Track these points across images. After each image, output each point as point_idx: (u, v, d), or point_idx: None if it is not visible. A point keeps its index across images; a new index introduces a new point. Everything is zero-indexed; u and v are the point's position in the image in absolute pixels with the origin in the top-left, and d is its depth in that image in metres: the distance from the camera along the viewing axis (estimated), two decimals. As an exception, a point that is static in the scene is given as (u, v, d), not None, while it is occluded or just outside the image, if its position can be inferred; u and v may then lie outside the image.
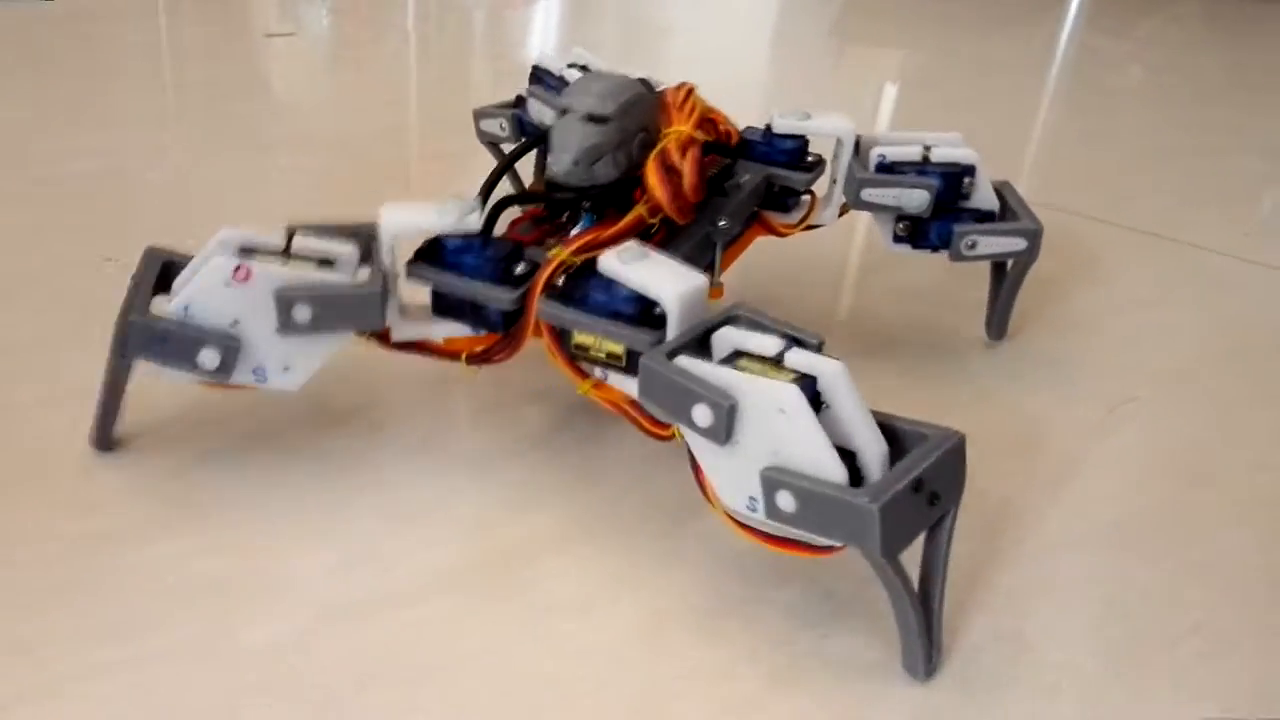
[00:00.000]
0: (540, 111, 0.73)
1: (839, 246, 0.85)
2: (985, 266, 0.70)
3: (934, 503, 0.42)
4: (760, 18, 1.87)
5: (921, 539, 0.43)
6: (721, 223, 0.57)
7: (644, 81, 0.57)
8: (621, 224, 0.52)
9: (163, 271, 0.52)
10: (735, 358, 0.44)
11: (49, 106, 1.06)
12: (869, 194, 0.64)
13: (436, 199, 0.52)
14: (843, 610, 0.47)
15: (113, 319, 0.50)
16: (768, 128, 0.65)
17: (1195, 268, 0.87)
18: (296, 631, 0.44)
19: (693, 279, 0.47)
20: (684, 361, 0.44)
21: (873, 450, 0.42)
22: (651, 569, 0.49)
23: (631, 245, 0.49)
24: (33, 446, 0.54)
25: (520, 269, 0.51)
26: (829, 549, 0.43)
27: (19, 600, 0.45)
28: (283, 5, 1.63)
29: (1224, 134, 1.27)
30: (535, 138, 0.61)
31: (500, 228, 0.53)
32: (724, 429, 0.42)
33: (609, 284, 0.48)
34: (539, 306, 0.49)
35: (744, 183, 0.61)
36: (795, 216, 0.66)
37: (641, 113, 0.55)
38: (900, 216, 0.65)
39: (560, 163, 0.52)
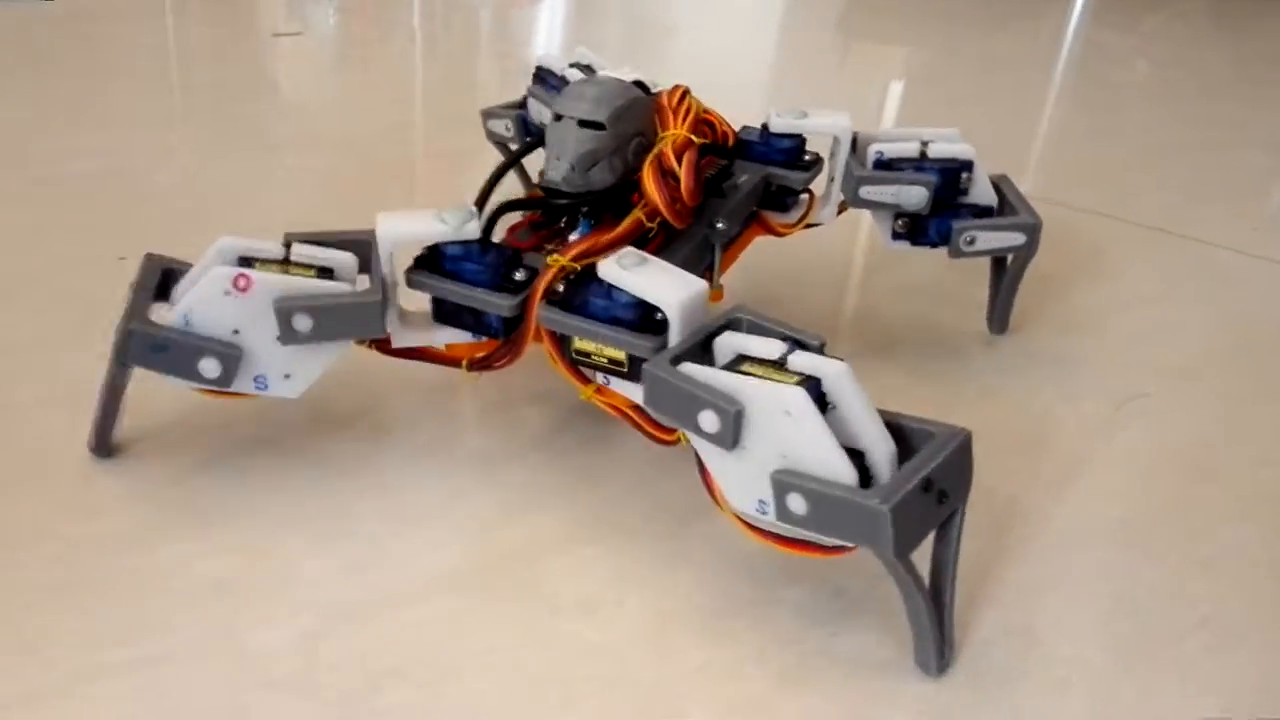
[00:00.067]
0: (541, 113, 0.73)
1: (839, 245, 0.84)
2: (985, 263, 0.69)
3: (943, 501, 0.42)
4: (765, 15, 1.87)
5: (931, 536, 0.43)
6: (720, 224, 0.57)
7: (639, 84, 0.57)
8: (619, 229, 0.52)
9: (162, 279, 0.53)
10: (739, 362, 0.44)
11: (51, 107, 1.06)
12: (867, 191, 0.64)
13: (434, 207, 0.52)
14: (852, 609, 0.47)
15: (113, 318, 0.50)
16: (764, 127, 0.65)
17: (1201, 263, 0.87)
18: (302, 633, 0.44)
19: (693, 284, 0.47)
20: (688, 368, 0.44)
21: (880, 449, 0.42)
22: (657, 570, 0.49)
23: (630, 251, 0.49)
24: (32, 447, 0.54)
25: (520, 275, 0.51)
26: (840, 549, 0.43)
27: (24, 600, 0.45)
28: (289, 4, 1.63)
29: (1230, 129, 1.27)
30: (532, 142, 0.61)
31: (497, 233, 0.53)
32: (731, 434, 0.42)
33: (609, 290, 0.48)
34: (540, 313, 0.50)
35: (742, 183, 0.61)
36: (794, 216, 0.66)
37: (637, 117, 0.55)
38: (899, 213, 0.65)
39: (556, 168, 0.52)
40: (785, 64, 1.57)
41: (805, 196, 0.66)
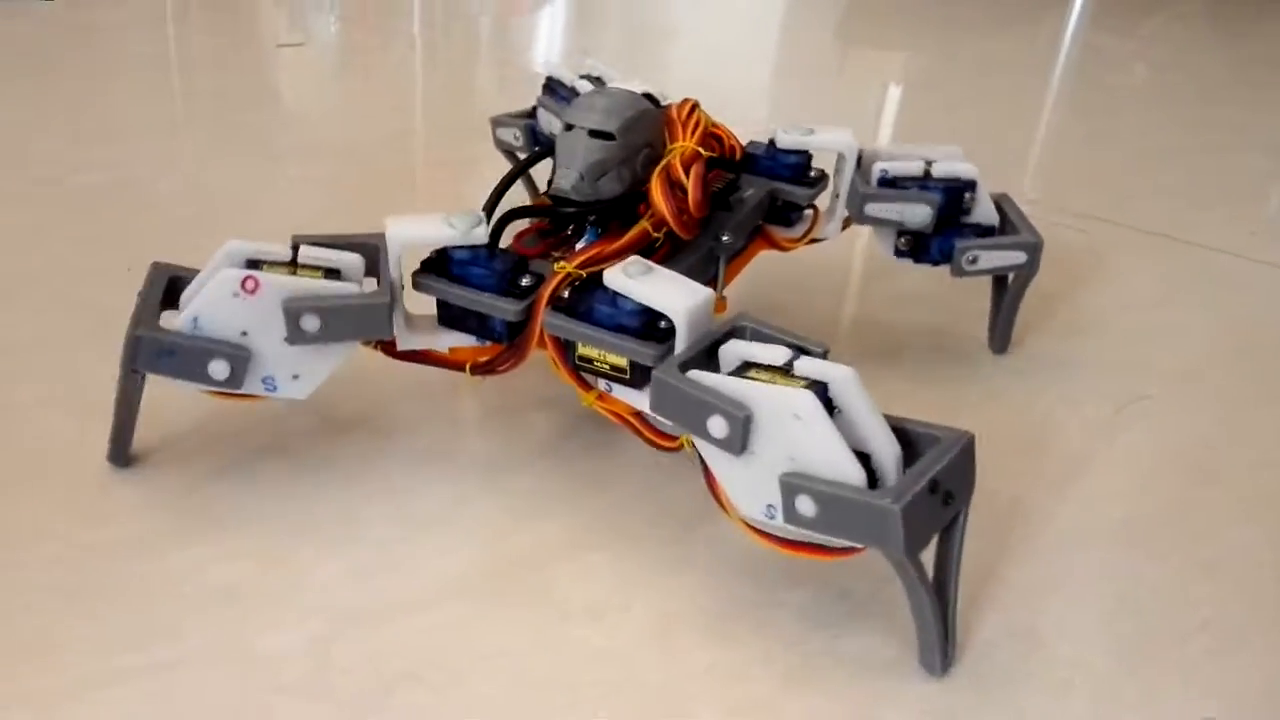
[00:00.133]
0: (551, 123, 0.73)
1: (841, 254, 0.85)
2: (987, 277, 0.70)
3: (948, 502, 0.42)
4: (764, 21, 1.87)
5: (935, 538, 0.44)
6: (725, 237, 0.58)
7: (649, 96, 0.57)
8: (626, 238, 0.53)
9: (169, 286, 0.53)
10: (744, 369, 0.45)
11: (50, 108, 1.07)
12: (872, 209, 0.64)
13: (443, 211, 0.52)
14: (856, 611, 0.48)
15: (116, 319, 0.50)
16: (771, 142, 0.65)
17: (1201, 267, 0.87)
18: (313, 638, 0.45)
19: (700, 293, 0.48)
20: (696, 374, 0.45)
21: (887, 453, 0.43)
22: (662, 574, 0.49)
23: (636, 260, 0.49)
24: (33, 447, 0.55)
25: (526, 281, 0.51)
26: (845, 551, 0.43)
27: (34, 605, 0.45)
28: (292, 15, 1.63)
29: (1229, 132, 1.27)
30: (541, 151, 0.61)
31: (504, 239, 0.54)
32: (740, 439, 0.43)
33: (614, 297, 0.48)
34: (545, 319, 0.50)
35: (748, 197, 0.62)
36: (798, 230, 0.66)
37: (646, 128, 0.55)
38: (902, 231, 0.65)
39: (565, 177, 0.53)
40: (784, 70, 1.57)
41: (810, 212, 0.66)
